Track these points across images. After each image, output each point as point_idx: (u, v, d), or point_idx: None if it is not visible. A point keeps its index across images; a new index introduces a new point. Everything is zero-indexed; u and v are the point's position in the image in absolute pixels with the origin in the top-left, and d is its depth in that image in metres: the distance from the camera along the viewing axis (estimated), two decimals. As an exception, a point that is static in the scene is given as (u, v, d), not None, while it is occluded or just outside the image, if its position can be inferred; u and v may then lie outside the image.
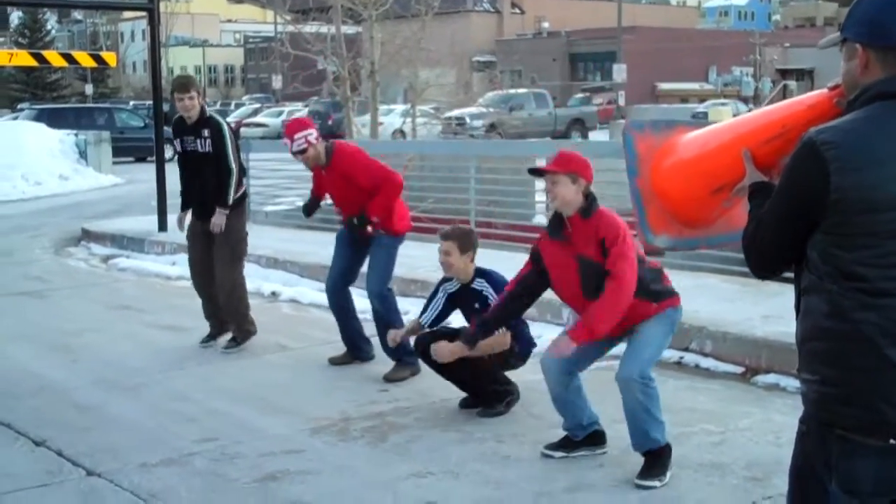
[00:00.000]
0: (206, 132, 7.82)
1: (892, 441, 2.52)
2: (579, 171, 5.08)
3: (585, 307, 5.10)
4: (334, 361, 7.48)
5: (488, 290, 6.18)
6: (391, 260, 7.29)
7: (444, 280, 6.43)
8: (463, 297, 6.33)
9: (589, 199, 5.11)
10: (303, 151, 7.12)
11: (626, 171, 3.52)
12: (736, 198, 3.22)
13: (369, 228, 7.11)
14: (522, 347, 6.20)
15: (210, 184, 7.87)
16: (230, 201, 7.83)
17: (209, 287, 8.09)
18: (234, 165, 7.83)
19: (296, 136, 7.11)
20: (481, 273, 6.31)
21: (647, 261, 5.22)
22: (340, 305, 7.46)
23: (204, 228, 7.97)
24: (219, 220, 7.81)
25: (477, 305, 6.18)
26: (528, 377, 6.94)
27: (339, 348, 7.57)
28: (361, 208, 7.11)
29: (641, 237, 3.50)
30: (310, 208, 7.69)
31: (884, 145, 2.53)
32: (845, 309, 2.55)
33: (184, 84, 7.88)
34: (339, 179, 7.20)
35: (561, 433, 5.50)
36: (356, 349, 7.51)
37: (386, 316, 7.17)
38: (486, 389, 6.22)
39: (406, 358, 7.01)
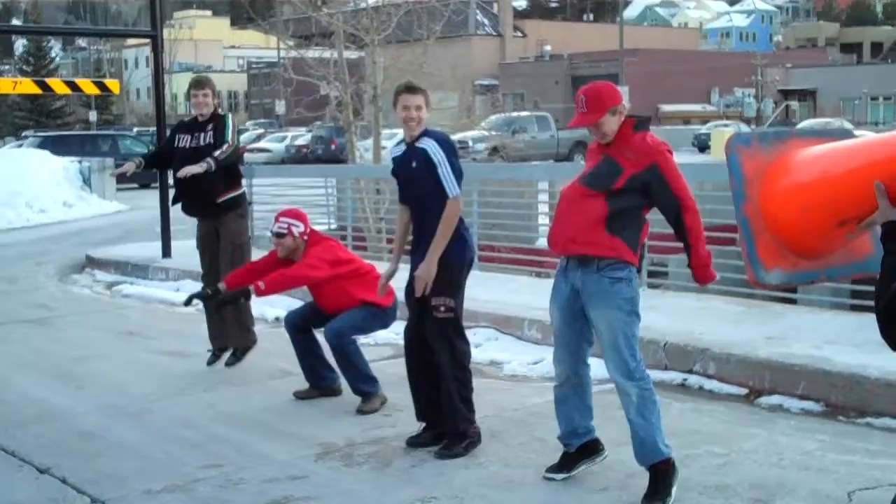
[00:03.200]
0: (210, 126, 7.94)
1: None
2: (613, 103, 4.97)
3: (573, 192, 5.02)
4: (299, 395, 7.27)
5: (432, 147, 5.82)
6: (367, 320, 6.93)
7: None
8: (405, 158, 5.98)
9: (642, 117, 5.05)
10: (281, 235, 7.03)
11: (732, 196, 3.16)
12: (861, 231, 2.87)
13: None
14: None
15: (207, 178, 7.83)
16: (217, 161, 7.74)
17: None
18: (230, 140, 7.82)
19: (281, 219, 7.07)
20: (426, 132, 5.95)
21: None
22: (300, 338, 7.20)
23: (213, 228, 8.06)
24: (193, 169, 7.73)
25: (414, 164, 5.85)
26: (533, 401, 6.96)
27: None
28: (341, 293, 6.94)
29: (750, 273, 3.14)
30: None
31: None
32: None
33: (199, 81, 8.09)
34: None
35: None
36: (318, 378, 7.30)
37: (341, 354, 6.89)
38: (454, 403, 5.87)
39: (367, 388, 6.92)
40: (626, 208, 4.97)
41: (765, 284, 3.17)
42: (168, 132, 8.96)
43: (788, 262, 3.08)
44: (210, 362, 8.27)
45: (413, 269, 5.91)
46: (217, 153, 7.77)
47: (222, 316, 8.15)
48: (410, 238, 6.10)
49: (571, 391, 5.33)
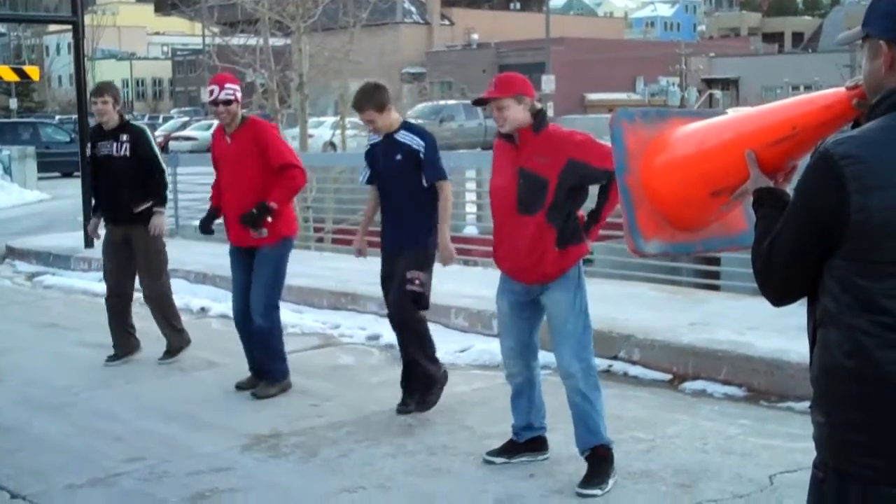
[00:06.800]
0: (124, 137, 7.79)
1: None
2: (522, 91, 5.09)
3: (514, 222, 5.08)
4: (241, 386, 7.12)
5: (415, 142, 6.18)
6: (280, 270, 6.94)
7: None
8: (384, 148, 6.26)
9: (539, 115, 5.11)
10: (228, 102, 6.83)
11: (615, 168, 3.22)
12: (735, 201, 2.97)
13: (265, 225, 6.71)
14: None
15: (125, 189, 7.76)
16: (167, 199, 7.90)
17: (121, 299, 8.01)
18: (164, 165, 7.86)
19: (227, 86, 6.85)
20: (408, 126, 6.32)
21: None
22: (249, 330, 7.02)
23: (122, 236, 7.91)
24: (157, 220, 7.80)
25: (399, 157, 6.18)
26: (459, 389, 6.97)
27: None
28: (255, 199, 6.74)
29: (630, 242, 3.18)
30: (206, 223, 7.33)
31: None
32: (867, 347, 2.28)
33: (98, 88, 7.93)
34: (242, 152, 6.84)
35: (495, 444, 5.55)
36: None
37: (268, 336, 6.88)
38: (420, 362, 6.36)
39: (276, 367, 6.97)
40: (565, 216, 5.04)
41: (644, 253, 3.20)
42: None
43: (666, 234, 3.17)
44: (109, 361, 7.99)
45: (385, 251, 6.36)
46: (165, 195, 7.87)
47: (122, 312, 8.03)
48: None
49: (526, 385, 5.39)
